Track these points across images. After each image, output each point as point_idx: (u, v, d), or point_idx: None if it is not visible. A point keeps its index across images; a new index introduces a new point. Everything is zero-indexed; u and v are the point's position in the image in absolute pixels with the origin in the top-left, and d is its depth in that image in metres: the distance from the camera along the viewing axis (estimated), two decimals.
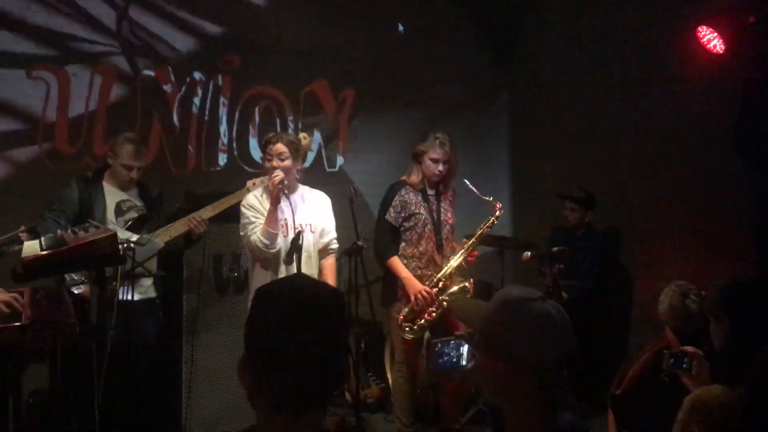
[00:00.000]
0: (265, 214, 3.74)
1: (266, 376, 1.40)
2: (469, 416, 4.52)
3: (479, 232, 4.08)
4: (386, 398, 4.84)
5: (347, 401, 4.64)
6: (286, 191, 3.71)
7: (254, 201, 3.82)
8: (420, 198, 4.10)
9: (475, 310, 1.77)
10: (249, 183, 3.97)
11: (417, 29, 6.13)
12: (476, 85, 6.46)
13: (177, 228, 3.93)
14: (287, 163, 3.76)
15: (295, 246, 3.64)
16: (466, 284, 4.00)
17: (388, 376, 4.92)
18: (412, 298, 3.95)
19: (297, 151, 3.82)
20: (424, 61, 6.13)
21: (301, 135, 4.04)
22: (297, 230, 3.67)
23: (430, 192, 4.16)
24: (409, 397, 4.15)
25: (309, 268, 3.80)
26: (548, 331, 1.60)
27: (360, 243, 3.74)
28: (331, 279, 3.91)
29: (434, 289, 3.98)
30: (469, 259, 4.07)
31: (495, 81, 6.57)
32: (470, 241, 4.05)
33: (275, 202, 3.67)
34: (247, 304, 4.19)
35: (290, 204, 3.76)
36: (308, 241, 3.81)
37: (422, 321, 3.97)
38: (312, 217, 3.86)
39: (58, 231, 3.31)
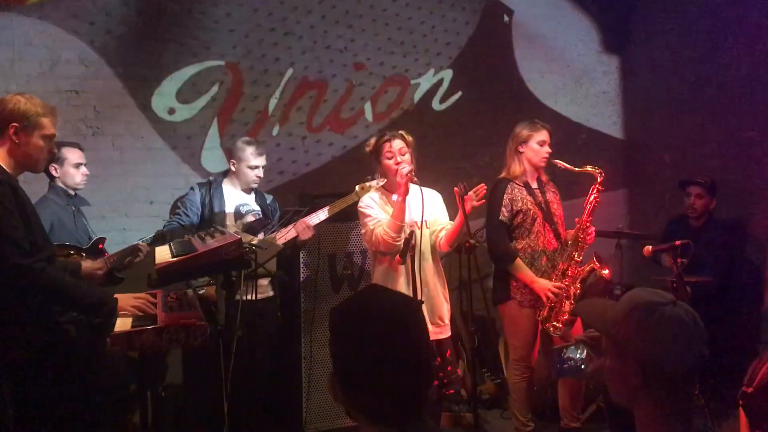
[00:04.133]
0: (386, 212, 3.80)
1: (357, 393, 1.42)
2: (588, 414, 4.42)
3: (588, 207, 3.98)
4: (502, 394, 4.82)
5: (463, 397, 4.65)
6: (414, 180, 3.70)
7: (371, 201, 3.88)
8: (525, 192, 4.04)
9: (601, 312, 1.73)
10: (358, 187, 4.02)
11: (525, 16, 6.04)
12: (585, 72, 6.28)
13: (291, 232, 4.04)
14: (407, 157, 3.81)
15: (408, 245, 3.66)
16: (593, 266, 3.91)
17: (504, 371, 4.89)
18: (544, 298, 3.91)
19: (411, 148, 3.86)
20: (531, 48, 6.04)
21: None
22: (410, 230, 3.70)
23: (534, 184, 4.10)
24: (525, 395, 4.10)
25: (428, 265, 3.80)
26: (680, 337, 1.55)
27: (473, 241, 3.71)
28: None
29: (564, 281, 3.92)
30: (589, 239, 3.97)
31: (606, 67, 6.36)
32: (582, 219, 3.96)
33: (404, 193, 3.69)
34: None
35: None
36: (426, 239, 3.82)
37: (565, 316, 3.90)
38: (427, 214, 3.86)
39: (186, 236, 3.51)
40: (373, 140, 3.94)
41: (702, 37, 5.47)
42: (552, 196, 4.14)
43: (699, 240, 4.74)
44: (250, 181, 4.22)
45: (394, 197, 3.79)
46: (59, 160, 3.98)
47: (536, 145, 4.03)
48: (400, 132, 3.91)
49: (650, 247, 4.20)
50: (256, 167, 4.20)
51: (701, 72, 5.49)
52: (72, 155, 4.03)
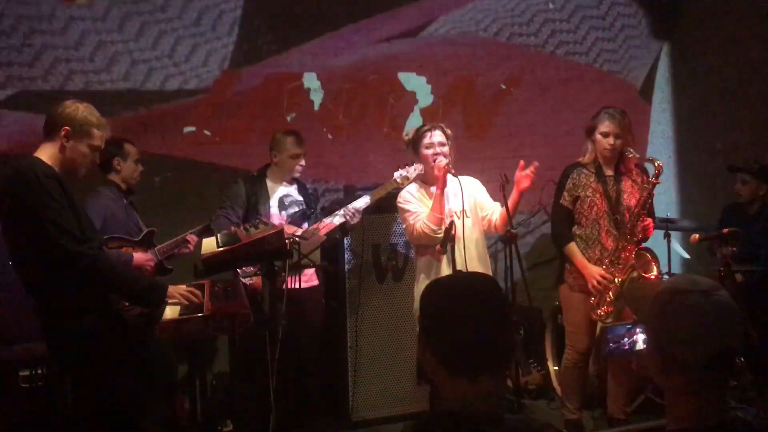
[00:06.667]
0: (425, 204, 3.81)
1: (443, 346, 1.53)
2: (636, 404, 4.35)
3: (641, 200, 3.85)
4: (547, 385, 4.80)
5: (509, 387, 4.64)
6: (452, 173, 3.70)
7: (409, 195, 3.89)
8: (593, 179, 3.96)
9: (644, 295, 1.74)
10: (396, 174, 4.03)
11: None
12: (636, 55, 6.15)
13: (335, 220, 4.10)
14: (446, 150, 3.81)
15: (448, 235, 3.67)
16: (633, 264, 3.81)
17: (548, 363, 4.86)
18: (590, 285, 3.87)
19: (450, 141, 3.86)
20: (580, 33, 5.96)
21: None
22: (450, 220, 3.70)
23: (609, 172, 3.99)
24: (578, 382, 4.06)
25: (470, 254, 3.77)
26: (695, 327, 1.50)
27: (514, 230, 3.70)
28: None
29: (613, 269, 3.85)
30: (641, 231, 3.84)
31: (656, 51, 6.23)
32: (635, 211, 3.85)
33: (443, 186, 3.70)
34: (408, 289, 4.32)
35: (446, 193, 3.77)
36: (467, 227, 3.80)
37: (610, 306, 3.84)
38: (466, 202, 3.85)
39: (231, 227, 3.60)
40: (412, 130, 3.96)
41: (756, 19, 5.31)
42: (628, 185, 3.98)
43: (753, 227, 4.64)
44: (292, 171, 4.28)
45: (432, 189, 3.80)
46: (123, 155, 4.12)
47: (599, 136, 3.94)
48: (440, 124, 3.92)
49: (697, 235, 4.11)
50: (298, 155, 4.26)
51: (756, 55, 5.33)
52: (133, 150, 4.19)
